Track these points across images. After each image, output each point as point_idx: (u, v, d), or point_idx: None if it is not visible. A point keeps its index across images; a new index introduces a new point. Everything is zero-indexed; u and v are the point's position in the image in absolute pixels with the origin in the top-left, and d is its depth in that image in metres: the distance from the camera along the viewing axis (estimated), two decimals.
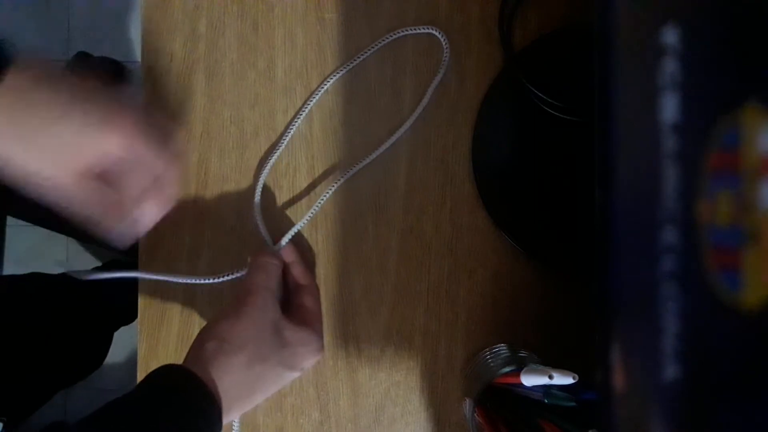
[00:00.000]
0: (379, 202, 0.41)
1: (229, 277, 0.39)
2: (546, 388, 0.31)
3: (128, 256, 0.41)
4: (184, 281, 0.40)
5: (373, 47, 0.41)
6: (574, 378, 0.29)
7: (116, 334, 0.85)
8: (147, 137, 0.30)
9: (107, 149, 0.29)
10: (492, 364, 0.37)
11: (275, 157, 0.41)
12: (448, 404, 0.41)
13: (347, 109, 0.41)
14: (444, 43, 0.40)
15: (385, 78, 0.41)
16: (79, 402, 1.10)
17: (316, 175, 0.42)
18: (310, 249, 0.41)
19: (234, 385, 0.31)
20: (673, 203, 0.19)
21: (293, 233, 0.40)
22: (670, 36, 0.19)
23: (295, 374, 0.35)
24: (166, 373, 0.31)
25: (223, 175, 0.42)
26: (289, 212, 0.42)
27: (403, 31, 0.40)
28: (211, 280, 0.40)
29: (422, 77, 0.41)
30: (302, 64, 0.42)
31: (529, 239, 0.39)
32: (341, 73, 0.41)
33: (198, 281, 0.40)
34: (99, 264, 0.97)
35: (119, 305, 0.83)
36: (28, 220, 1.04)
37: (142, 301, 0.42)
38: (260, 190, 0.41)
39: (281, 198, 0.42)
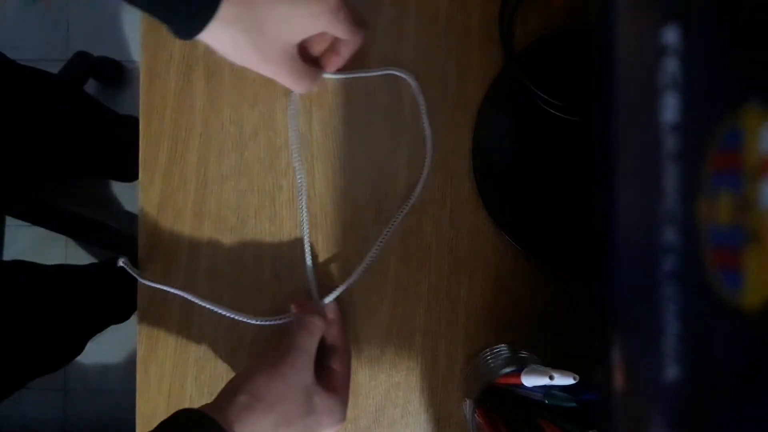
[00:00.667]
0: (380, 203, 0.41)
1: (274, 322, 0.39)
2: (547, 389, 0.31)
3: (127, 255, 0.41)
4: (232, 316, 0.40)
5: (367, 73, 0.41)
6: (574, 378, 0.29)
7: (115, 335, 0.85)
8: (346, 15, 0.34)
9: (315, 25, 0.33)
10: (492, 365, 0.37)
11: (304, 204, 0.41)
12: (448, 405, 0.41)
13: (347, 108, 0.41)
14: (413, 84, 0.40)
15: (385, 76, 0.41)
16: (79, 402, 1.09)
17: (316, 175, 0.41)
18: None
19: None
20: (673, 203, 0.19)
21: (340, 291, 0.40)
22: (671, 36, 0.19)
23: None
24: (186, 417, 0.31)
25: (222, 174, 0.42)
26: (288, 217, 0.41)
27: (370, 71, 0.41)
28: (256, 321, 0.40)
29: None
30: None
31: (529, 239, 0.39)
32: (340, 76, 0.41)
33: (244, 319, 0.40)
34: (96, 263, 0.97)
35: (115, 303, 0.83)
36: (27, 220, 1.04)
37: (141, 302, 0.42)
38: (309, 250, 0.41)
39: (281, 199, 0.42)
